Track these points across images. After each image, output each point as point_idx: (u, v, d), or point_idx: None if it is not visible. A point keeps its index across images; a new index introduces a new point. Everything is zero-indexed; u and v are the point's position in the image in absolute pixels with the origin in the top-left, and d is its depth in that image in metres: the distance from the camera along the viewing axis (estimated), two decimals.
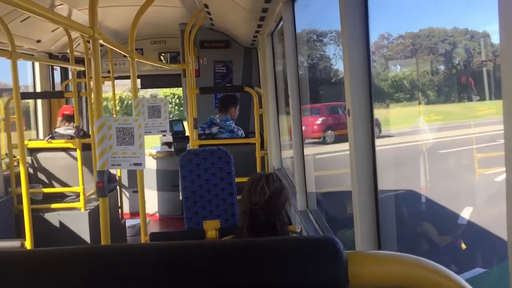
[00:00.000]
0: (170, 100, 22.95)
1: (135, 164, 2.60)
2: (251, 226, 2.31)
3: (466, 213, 2.72)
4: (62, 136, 5.39)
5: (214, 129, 5.57)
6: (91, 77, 4.90)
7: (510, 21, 0.82)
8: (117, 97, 7.79)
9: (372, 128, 1.69)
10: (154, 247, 0.76)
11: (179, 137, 6.72)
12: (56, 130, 5.63)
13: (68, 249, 0.83)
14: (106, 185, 2.59)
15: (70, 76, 6.49)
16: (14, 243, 3.81)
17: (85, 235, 4.76)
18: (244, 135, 5.74)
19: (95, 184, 2.57)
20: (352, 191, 1.74)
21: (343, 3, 1.69)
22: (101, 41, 2.55)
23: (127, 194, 7.05)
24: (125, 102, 22.13)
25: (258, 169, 5.12)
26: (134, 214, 6.89)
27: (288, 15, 3.55)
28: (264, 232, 2.31)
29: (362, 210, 1.68)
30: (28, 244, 3.71)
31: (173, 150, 6.71)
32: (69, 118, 5.50)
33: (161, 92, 23.38)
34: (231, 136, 5.56)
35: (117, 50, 3.11)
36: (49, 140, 5.53)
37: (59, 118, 5.71)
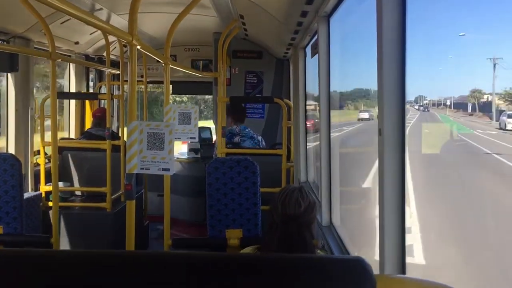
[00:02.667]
0: None
1: (164, 169, 2.64)
2: (282, 238, 2.31)
3: None
4: (93, 137, 5.50)
5: (236, 139, 5.67)
6: (125, 81, 4.99)
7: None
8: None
9: (403, 149, 1.69)
10: (183, 256, 0.78)
11: (206, 144, 6.77)
12: (89, 130, 5.76)
13: (92, 252, 0.85)
14: (134, 188, 2.64)
15: (104, 79, 6.63)
16: (42, 239, 3.90)
17: (110, 236, 4.83)
18: (263, 140, 5.84)
19: (124, 187, 2.62)
20: (378, 212, 1.73)
21: (380, 24, 1.70)
22: (138, 47, 2.61)
23: (150, 197, 7.12)
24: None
25: (283, 181, 5.13)
26: (156, 217, 6.95)
27: (323, 30, 3.56)
28: (295, 245, 2.30)
29: (388, 231, 1.67)
30: (54, 241, 3.78)
31: (199, 156, 6.76)
32: (101, 120, 5.62)
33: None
34: (253, 142, 5.67)
35: (153, 56, 3.17)
36: (81, 139, 5.66)
37: (93, 119, 5.86)
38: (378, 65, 1.77)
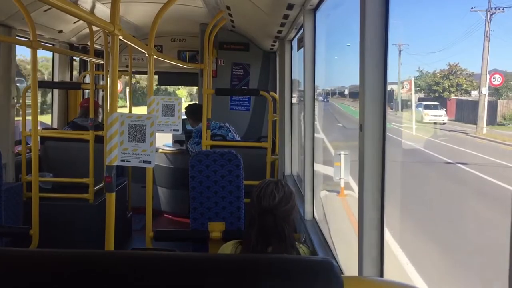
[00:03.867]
0: None
1: (145, 162, 2.61)
2: (260, 231, 2.30)
3: None
4: (78, 127, 5.43)
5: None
6: (109, 71, 4.92)
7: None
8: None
9: (383, 145, 1.68)
10: (154, 257, 0.76)
11: (191, 135, 6.74)
12: (74, 120, 5.69)
13: (70, 252, 0.83)
14: (115, 180, 2.60)
15: (88, 68, 6.54)
16: (22, 230, 3.85)
17: (92, 227, 4.78)
18: (230, 126, 5.88)
19: (104, 179, 2.58)
20: (358, 210, 1.72)
21: (363, 22, 1.68)
22: (121, 37, 2.57)
23: (134, 188, 7.07)
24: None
25: (268, 174, 5.12)
26: (140, 208, 6.90)
27: (309, 23, 3.54)
28: (273, 237, 2.29)
29: (368, 232, 1.66)
30: (34, 232, 3.74)
31: (184, 148, 6.73)
32: (88, 110, 5.54)
33: None
34: (224, 130, 5.80)
35: (137, 47, 3.12)
36: (66, 129, 5.59)
37: (80, 109, 5.79)
38: (360, 61, 1.76)
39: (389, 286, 0.69)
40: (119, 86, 6.79)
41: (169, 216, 6.78)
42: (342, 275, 0.67)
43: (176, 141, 7.22)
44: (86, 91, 6.52)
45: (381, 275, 1.68)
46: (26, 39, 4.19)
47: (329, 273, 0.66)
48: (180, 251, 2.10)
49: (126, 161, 2.61)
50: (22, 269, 0.81)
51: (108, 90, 2.59)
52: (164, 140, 7.54)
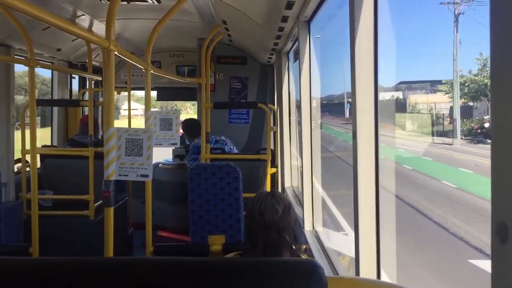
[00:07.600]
0: None
1: (142, 176, 2.62)
2: (266, 245, 2.26)
3: None
4: (77, 144, 5.45)
5: None
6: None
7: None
8: None
9: (376, 152, 1.69)
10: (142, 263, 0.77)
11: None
12: (74, 137, 5.71)
13: (70, 259, 0.84)
14: (113, 194, 2.61)
15: (87, 85, 6.58)
16: (21, 248, 3.85)
17: (93, 243, 4.77)
18: (226, 138, 5.88)
19: (102, 194, 2.59)
20: (353, 215, 1.73)
21: (353, 34, 1.70)
22: (117, 53, 2.59)
23: (136, 204, 7.06)
24: None
25: (268, 186, 5.12)
26: (142, 224, 6.89)
27: (304, 34, 3.58)
28: (278, 250, 2.26)
29: (364, 235, 1.67)
30: (34, 250, 3.74)
31: (184, 162, 6.74)
32: (87, 127, 5.56)
33: None
34: (220, 143, 5.80)
35: (133, 62, 3.15)
36: (65, 147, 5.61)
37: (79, 126, 5.81)
38: (351, 70, 1.77)
39: (370, 285, 0.70)
40: None
41: (171, 231, 6.76)
42: (326, 275, 0.67)
43: (176, 156, 7.23)
44: (86, 108, 6.55)
45: (378, 276, 1.68)
46: (24, 58, 4.23)
47: (312, 274, 0.67)
48: None
49: (124, 175, 2.62)
50: (20, 278, 0.82)
51: (104, 106, 2.61)
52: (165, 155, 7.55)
